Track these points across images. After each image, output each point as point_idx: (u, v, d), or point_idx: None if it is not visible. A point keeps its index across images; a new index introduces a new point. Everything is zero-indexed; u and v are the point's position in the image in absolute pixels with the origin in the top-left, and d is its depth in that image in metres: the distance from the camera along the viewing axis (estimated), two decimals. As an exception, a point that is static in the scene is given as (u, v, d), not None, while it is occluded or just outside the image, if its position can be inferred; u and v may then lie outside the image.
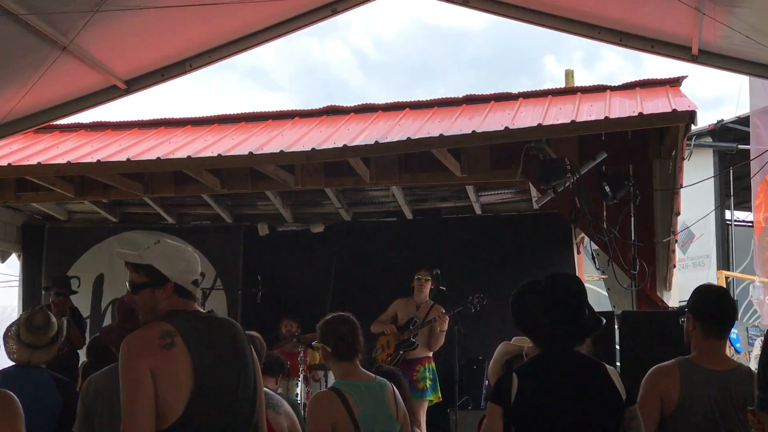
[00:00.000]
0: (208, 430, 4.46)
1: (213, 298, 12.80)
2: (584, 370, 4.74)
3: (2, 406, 4.72)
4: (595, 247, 11.23)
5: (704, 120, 19.63)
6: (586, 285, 13.81)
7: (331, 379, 10.71)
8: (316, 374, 11.15)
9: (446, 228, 12.91)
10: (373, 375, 5.74)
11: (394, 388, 5.68)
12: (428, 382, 10.91)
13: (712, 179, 17.98)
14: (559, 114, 9.61)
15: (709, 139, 19.55)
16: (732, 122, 19.18)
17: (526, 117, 9.69)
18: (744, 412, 4.85)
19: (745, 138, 17.62)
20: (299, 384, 10.22)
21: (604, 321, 4.93)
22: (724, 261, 19.67)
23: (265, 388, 6.53)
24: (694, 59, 8.58)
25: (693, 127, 16.81)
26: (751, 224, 18.24)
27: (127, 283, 4.72)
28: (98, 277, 13.36)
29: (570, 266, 12.26)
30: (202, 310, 4.77)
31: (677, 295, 13.16)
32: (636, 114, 8.97)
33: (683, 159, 9.80)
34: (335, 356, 5.64)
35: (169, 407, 4.36)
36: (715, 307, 5.26)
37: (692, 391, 5.10)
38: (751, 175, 16.68)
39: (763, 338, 3.92)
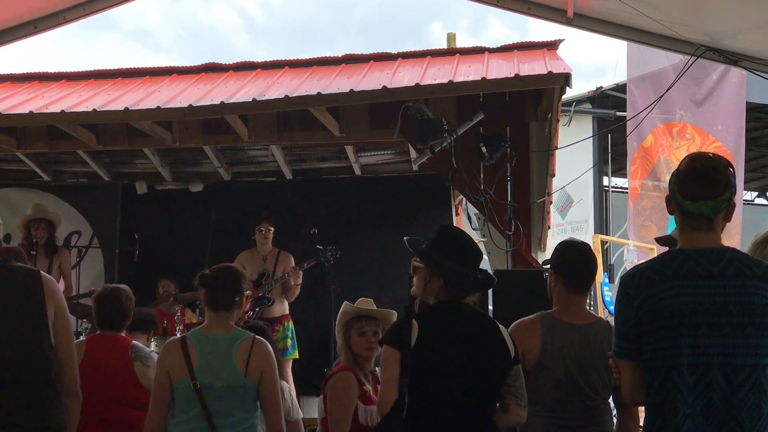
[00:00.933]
0: None
1: (89, 257, 12.62)
2: (479, 323, 4.90)
3: None
4: (475, 210, 11.34)
5: (584, 88, 19.92)
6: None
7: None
8: (194, 333, 11.07)
9: (326, 188, 12.87)
10: (235, 328, 5.68)
11: (256, 343, 5.58)
12: (288, 341, 10.98)
13: (591, 146, 18.23)
14: (437, 74, 9.64)
15: (588, 106, 19.78)
16: (611, 89, 19.43)
17: (405, 77, 9.70)
18: (601, 363, 4.99)
19: (623, 105, 17.86)
20: (176, 343, 10.15)
21: (496, 279, 5.08)
22: (602, 226, 19.99)
23: (135, 342, 6.55)
24: (569, 22, 8.69)
25: (573, 94, 17.13)
26: (627, 190, 18.54)
27: None
28: (-29, 233, 13.02)
29: (448, 226, 12.34)
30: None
31: (553, 257, 13.32)
32: (512, 75, 9.04)
33: (558, 121, 9.92)
34: (205, 303, 5.63)
35: None
36: (575, 262, 5.38)
37: (553, 345, 5.21)
38: (627, 141, 16.97)
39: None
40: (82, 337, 8.22)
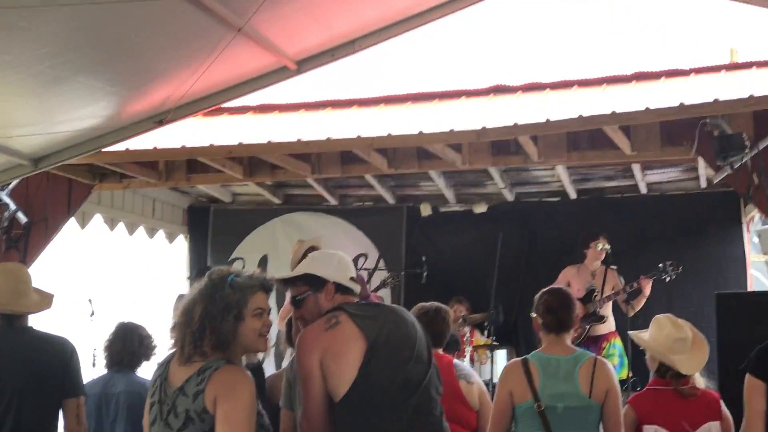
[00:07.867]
0: (382, 389, 4.58)
1: (376, 279, 12.85)
2: None
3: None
4: (758, 228, 10.92)
5: None
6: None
7: (498, 360, 10.65)
8: (482, 355, 11.05)
9: (610, 207, 12.67)
10: (575, 349, 5.73)
11: (598, 363, 5.60)
12: (616, 359, 10.61)
13: None
14: (734, 88, 9.33)
15: None
16: None
17: (700, 92, 9.44)
18: None
19: None
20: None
21: None
22: None
23: (456, 360, 6.61)
24: None
25: None
26: None
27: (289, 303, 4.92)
28: (262, 258, 13.46)
29: (739, 244, 11.92)
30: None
31: None
32: (817, 88, 8.66)
33: None
34: (543, 328, 5.70)
35: (341, 379, 4.54)
36: None
37: None
38: None
39: None
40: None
